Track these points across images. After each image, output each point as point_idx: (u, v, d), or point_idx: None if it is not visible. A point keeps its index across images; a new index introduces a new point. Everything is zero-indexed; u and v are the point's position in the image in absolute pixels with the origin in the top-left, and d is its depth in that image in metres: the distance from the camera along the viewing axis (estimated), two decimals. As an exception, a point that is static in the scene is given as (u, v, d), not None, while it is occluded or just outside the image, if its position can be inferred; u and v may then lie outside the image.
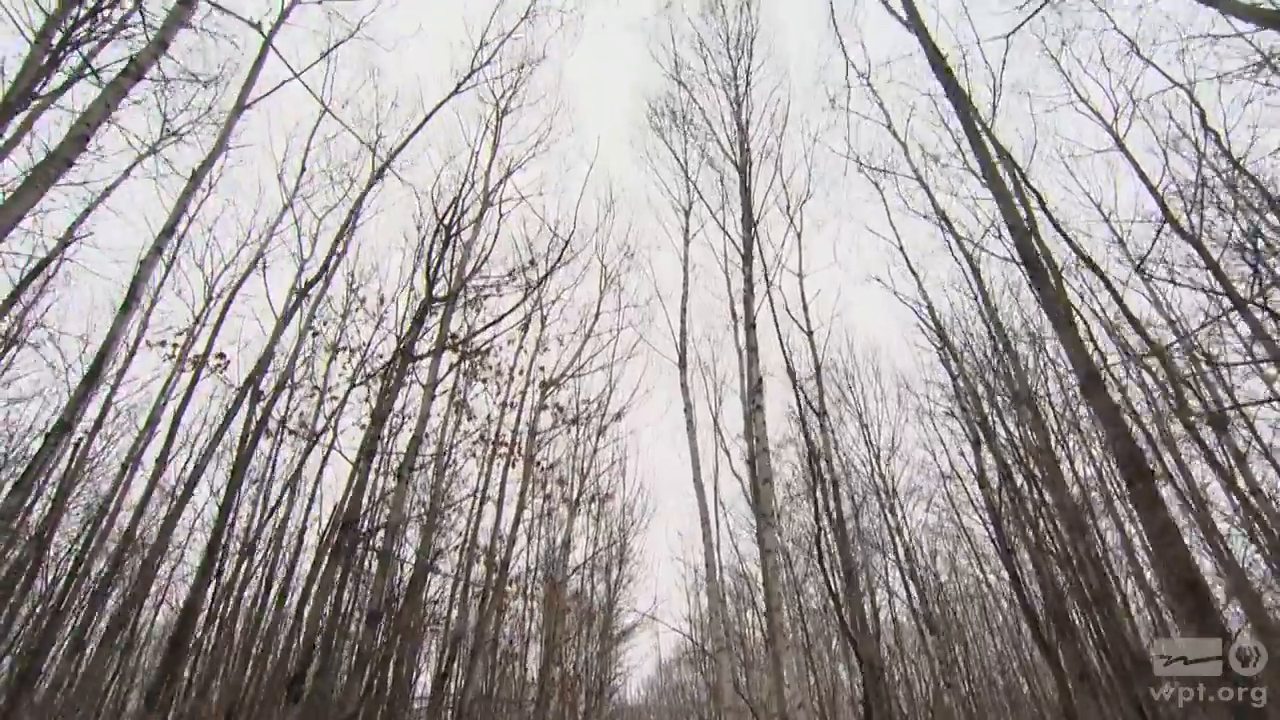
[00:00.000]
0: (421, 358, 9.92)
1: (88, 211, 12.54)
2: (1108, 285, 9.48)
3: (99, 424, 14.10)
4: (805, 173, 15.60)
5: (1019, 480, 11.35)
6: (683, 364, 12.21)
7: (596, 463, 20.63)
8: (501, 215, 13.14)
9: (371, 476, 11.31)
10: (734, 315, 15.58)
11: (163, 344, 11.88)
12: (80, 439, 14.83)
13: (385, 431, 11.15)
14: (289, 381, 12.15)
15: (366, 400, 11.31)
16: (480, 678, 15.91)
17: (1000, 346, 10.94)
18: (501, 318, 9.91)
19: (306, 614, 10.17)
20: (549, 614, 16.04)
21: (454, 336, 10.50)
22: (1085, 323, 10.41)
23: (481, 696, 16.15)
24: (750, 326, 9.96)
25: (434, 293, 10.04)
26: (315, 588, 7.53)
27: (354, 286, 13.18)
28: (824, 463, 13.41)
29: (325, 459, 14.30)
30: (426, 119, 10.27)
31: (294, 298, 9.55)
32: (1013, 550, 16.09)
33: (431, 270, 9.99)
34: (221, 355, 11.62)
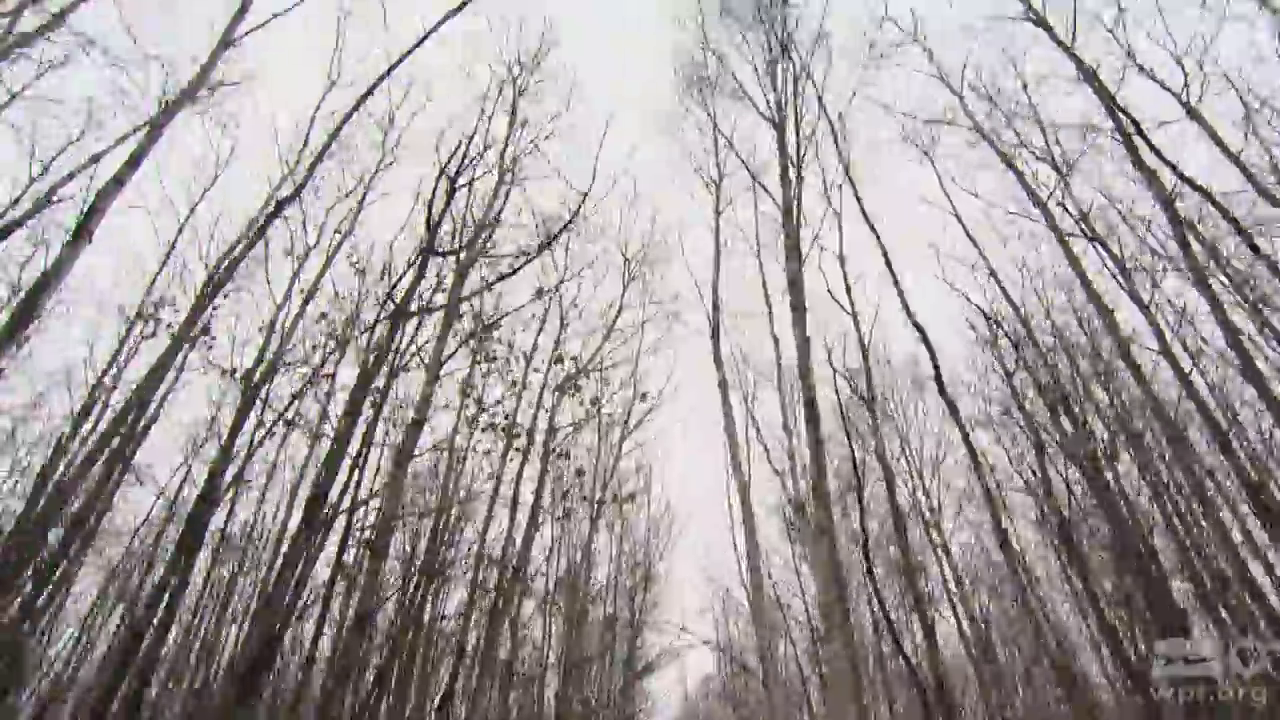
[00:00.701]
0: (415, 314, 8.75)
1: (71, 176, 11.70)
2: (1225, 214, 8.04)
3: (81, 411, 13.14)
4: (847, 147, 14.43)
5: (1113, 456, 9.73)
6: (715, 335, 10.97)
7: (620, 473, 19.24)
8: (514, 182, 12.10)
9: (361, 454, 10.10)
10: (768, 302, 14.31)
11: (140, 316, 10.84)
12: (63, 434, 13.87)
13: (379, 401, 9.94)
14: (280, 362, 11.04)
15: (361, 375, 10.11)
16: (491, 703, 14.37)
17: (1091, 302, 9.46)
18: (516, 270, 8.74)
19: (261, 599, 8.88)
20: (569, 623, 14.54)
21: (462, 299, 9.29)
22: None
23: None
24: (794, 283, 8.67)
25: (434, 245, 8.91)
26: (276, 574, 6.38)
27: (354, 262, 12.16)
28: (875, 455, 11.94)
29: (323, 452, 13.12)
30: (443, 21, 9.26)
31: (268, 211, 8.39)
32: (1080, 553, 14.34)
33: (433, 222, 8.87)
34: (206, 330, 10.58)
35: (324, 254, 14.24)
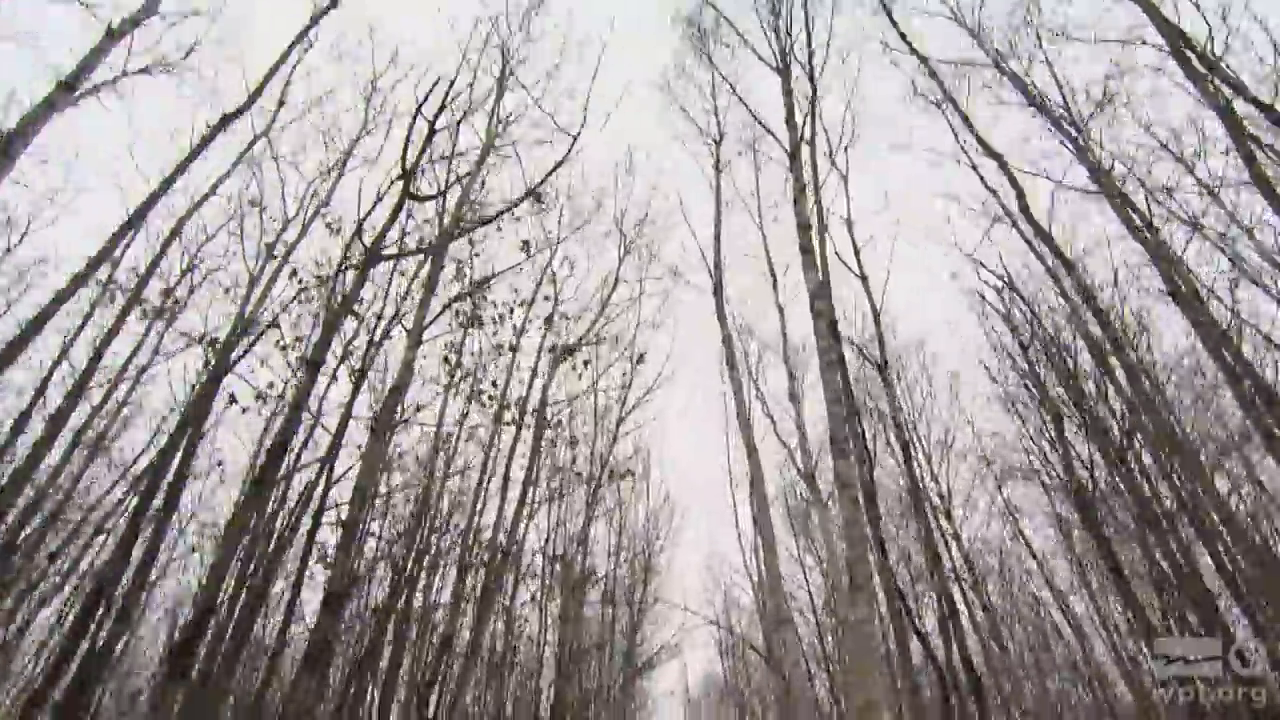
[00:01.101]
0: (389, 259, 7.97)
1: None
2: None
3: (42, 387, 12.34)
4: (852, 105, 13.68)
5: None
6: (718, 291, 10.25)
7: (617, 456, 18.43)
8: (496, 141, 11.32)
9: (340, 430, 9.29)
10: (771, 271, 13.62)
11: (105, 287, 10.01)
12: (21, 411, 13.08)
13: (361, 369, 9.13)
14: (254, 328, 10.24)
15: (325, 322, 9.30)
16: (482, 692, 13.60)
17: (1139, 244, 8.65)
18: (501, 214, 7.96)
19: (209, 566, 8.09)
20: (564, 615, 13.75)
21: (444, 239, 8.48)
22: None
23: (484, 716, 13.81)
24: (804, 226, 7.91)
25: (413, 189, 8.14)
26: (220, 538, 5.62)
27: (330, 223, 11.38)
28: (891, 421, 11.22)
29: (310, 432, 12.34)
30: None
31: (213, 131, 7.58)
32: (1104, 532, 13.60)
33: (408, 163, 8.10)
34: (168, 293, 9.79)
35: (301, 225, 13.52)
